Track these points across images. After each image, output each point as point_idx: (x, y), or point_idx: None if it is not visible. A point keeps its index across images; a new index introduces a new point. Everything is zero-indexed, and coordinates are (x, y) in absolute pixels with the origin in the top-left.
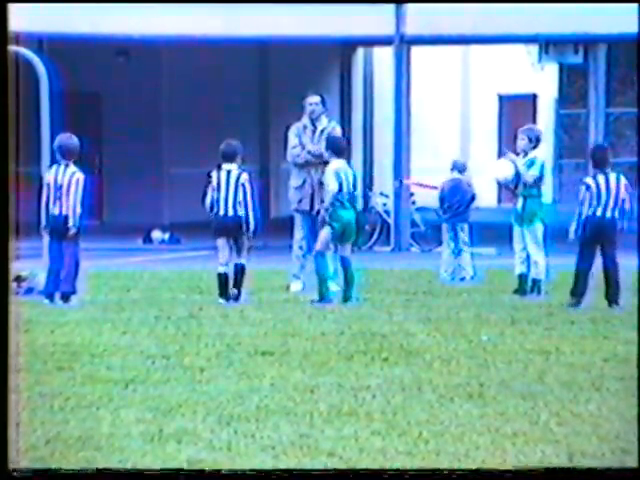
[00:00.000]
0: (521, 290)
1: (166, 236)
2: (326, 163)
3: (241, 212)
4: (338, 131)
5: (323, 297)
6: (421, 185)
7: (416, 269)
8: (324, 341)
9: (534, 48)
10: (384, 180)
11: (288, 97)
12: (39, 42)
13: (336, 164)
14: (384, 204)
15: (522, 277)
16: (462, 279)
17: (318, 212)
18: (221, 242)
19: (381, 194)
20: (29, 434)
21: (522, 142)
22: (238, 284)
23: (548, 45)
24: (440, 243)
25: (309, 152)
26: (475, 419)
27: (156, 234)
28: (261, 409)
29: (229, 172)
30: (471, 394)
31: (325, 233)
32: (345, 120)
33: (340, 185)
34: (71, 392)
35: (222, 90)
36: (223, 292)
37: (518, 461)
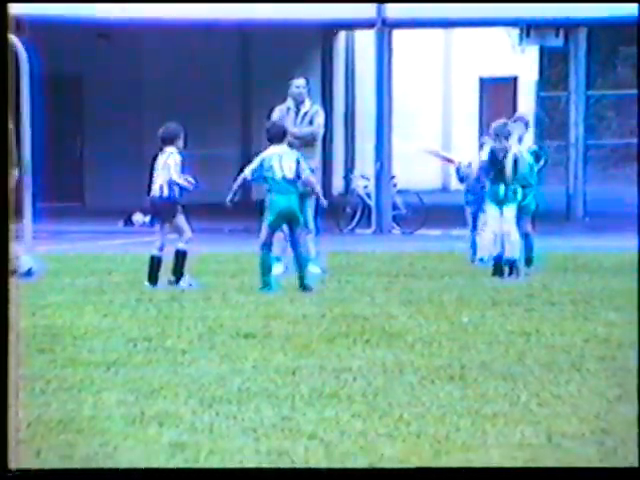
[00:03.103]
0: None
1: (147, 219)
2: (309, 145)
3: (167, 193)
4: (321, 114)
5: (264, 286)
6: (439, 156)
7: (397, 251)
8: (306, 323)
9: (515, 31)
10: (365, 163)
11: (270, 80)
12: (19, 24)
13: (268, 151)
14: (365, 187)
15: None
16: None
17: (300, 195)
18: (157, 225)
19: (362, 177)
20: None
21: (519, 130)
22: (175, 270)
23: (529, 28)
24: (421, 225)
25: (292, 134)
26: (456, 401)
27: (137, 217)
28: (243, 391)
29: (162, 155)
30: (452, 376)
31: (263, 224)
32: (327, 103)
33: (267, 171)
34: (52, 375)
35: (204, 73)
36: (151, 276)
37: (498, 442)
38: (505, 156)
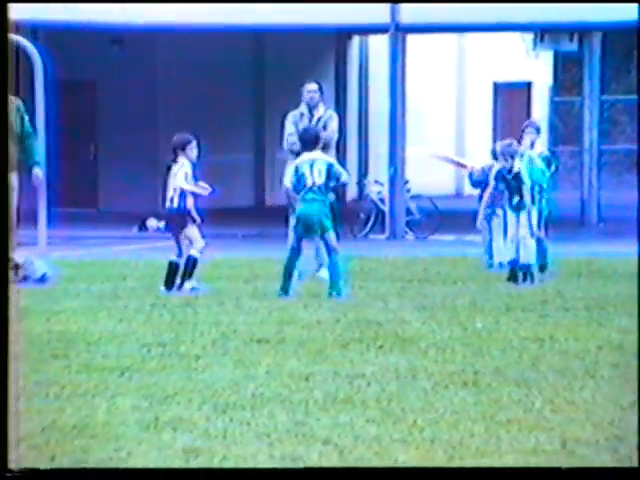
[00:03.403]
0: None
1: (161, 224)
2: (323, 151)
3: (177, 204)
4: (335, 119)
5: (283, 291)
6: (451, 161)
7: (411, 257)
8: (320, 329)
9: (529, 36)
10: (379, 168)
11: (284, 85)
12: (34, 30)
13: (301, 158)
14: (379, 192)
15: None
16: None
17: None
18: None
19: (376, 182)
20: (25, 422)
21: (531, 135)
22: (184, 275)
23: (543, 33)
24: (435, 231)
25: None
26: (470, 406)
27: (151, 222)
28: (256, 397)
29: (174, 165)
30: (466, 382)
31: (290, 228)
32: (340, 108)
33: (299, 180)
34: (67, 380)
35: (217, 78)
36: (167, 281)
37: (512, 448)
38: (512, 175)
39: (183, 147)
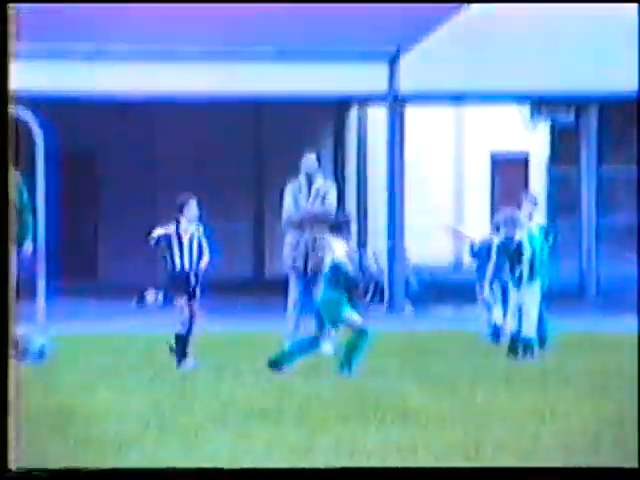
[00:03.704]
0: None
1: (160, 296)
2: (321, 222)
3: (179, 268)
4: (333, 190)
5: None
6: (460, 235)
7: (410, 330)
8: (320, 402)
9: (526, 107)
10: (378, 238)
11: (283, 156)
12: (35, 102)
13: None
14: (378, 263)
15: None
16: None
17: (312, 272)
18: (176, 300)
19: (375, 253)
20: None
21: (529, 207)
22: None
23: (540, 104)
24: (433, 302)
25: (304, 211)
26: None
27: (150, 296)
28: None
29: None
30: (467, 455)
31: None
32: (339, 179)
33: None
34: (64, 454)
35: (217, 148)
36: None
37: None
38: (515, 246)
39: (181, 208)
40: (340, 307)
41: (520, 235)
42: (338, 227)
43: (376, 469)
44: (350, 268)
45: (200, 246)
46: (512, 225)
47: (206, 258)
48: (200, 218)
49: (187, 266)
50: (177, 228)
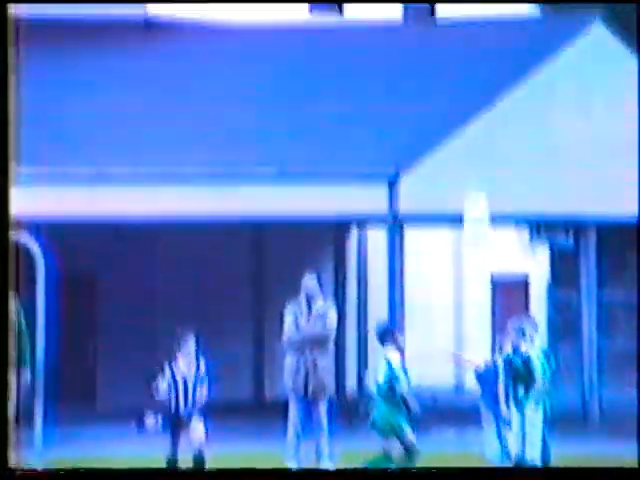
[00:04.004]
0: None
1: (159, 420)
2: (321, 344)
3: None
4: (333, 311)
5: None
6: (461, 358)
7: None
8: None
9: (525, 229)
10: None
11: (283, 277)
12: (35, 226)
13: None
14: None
15: (519, 461)
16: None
17: (312, 395)
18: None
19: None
20: None
21: (530, 331)
22: None
23: (539, 226)
24: (433, 425)
25: (304, 334)
26: None
27: (150, 420)
28: None
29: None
30: None
31: None
32: (340, 300)
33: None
34: None
35: (217, 271)
36: None
37: None
38: (522, 361)
39: (178, 343)
40: (398, 420)
41: (527, 348)
42: (392, 337)
43: (376, 469)
44: (404, 380)
45: (196, 384)
46: (521, 335)
47: (203, 395)
48: (198, 349)
49: (182, 407)
50: (172, 371)
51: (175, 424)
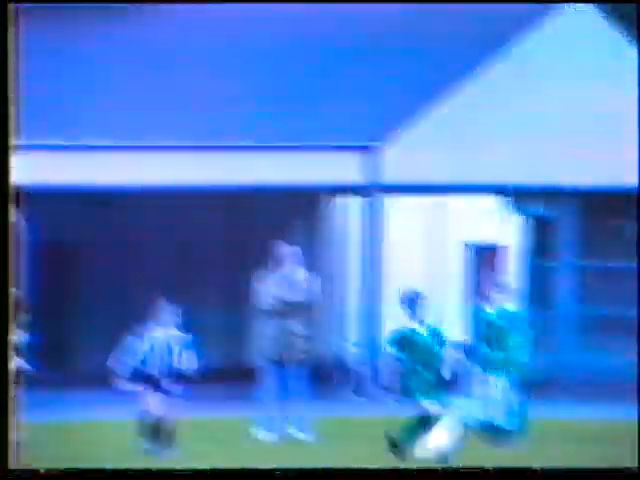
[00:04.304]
0: (490, 438)
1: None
2: (298, 311)
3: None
4: (309, 279)
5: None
6: None
7: (390, 418)
8: None
9: (503, 198)
10: (356, 329)
11: (260, 246)
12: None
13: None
14: (356, 353)
15: (487, 425)
16: None
17: (288, 361)
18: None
19: (353, 343)
20: None
21: (501, 294)
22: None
23: (517, 196)
24: None
25: (281, 301)
26: None
27: (128, 386)
28: None
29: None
30: None
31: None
32: (317, 269)
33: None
34: None
35: (193, 242)
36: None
37: None
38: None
39: (157, 314)
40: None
41: (507, 304)
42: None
43: (376, 470)
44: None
45: (172, 351)
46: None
47: (182, 362)
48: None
49: (158, 373)
50: (148, 338)
51: (151, 390)
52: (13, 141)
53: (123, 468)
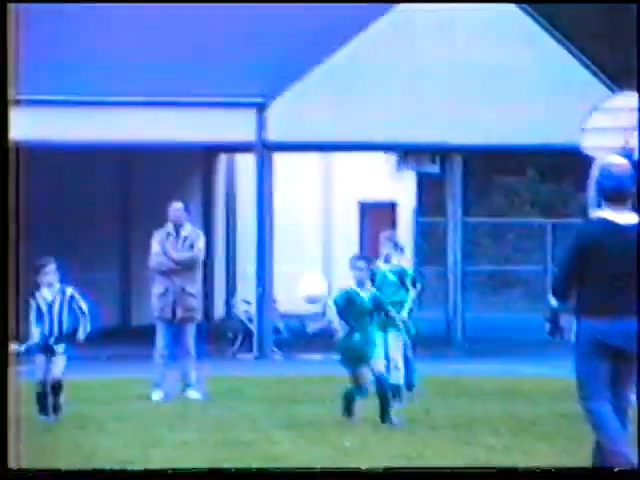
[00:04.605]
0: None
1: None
2: (189, 270)
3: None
4: (201, 238)
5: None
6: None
7: (279, 376)
8: (186, 450)
9: (392, 156)
10: (247, 287)
11: (150, 204)
12: None
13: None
14: (247, 311)
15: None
16: None
17: (180, 320)
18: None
19: (243, 301)
20: None
21: (387, 249)
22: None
23: (406, 154)
24: (302, 349)
25: (172, 259)
26: None
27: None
28: None
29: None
30: None
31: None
32: (208, 227)
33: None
34: None
35: (84, 197)
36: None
37: None
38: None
39: (38, 272)
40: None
41: (399, 260)
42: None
43: (375, 470)
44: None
45: (61, 313)
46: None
47: (82, 327)
48: (63, 276)
49: (48, 334)
50: (35, 298)
51: (43, 352)
52: None
53: (125, 469)
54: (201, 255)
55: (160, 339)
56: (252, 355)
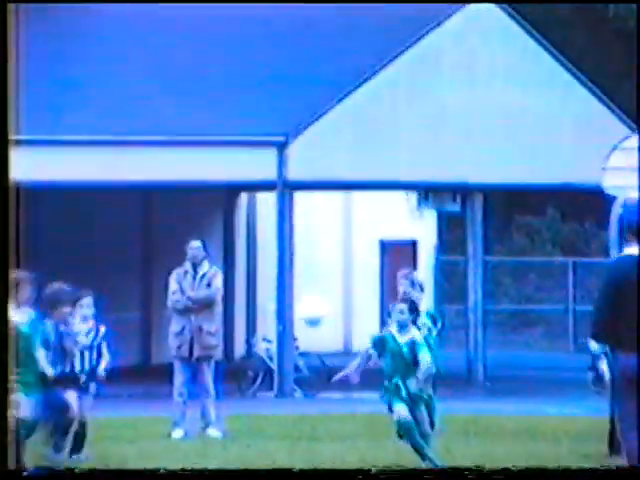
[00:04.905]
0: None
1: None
2: (207, 308)
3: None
4: (219, 276)
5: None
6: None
7: (300, 414)
8: None
9: (413, 195)
10: (267, 325)
11: (171, 243)
12: None
13: None
14: (267, 349)
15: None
16: None
17: (198, 358)
18: None
19: (264, 339)
20: None
21: (405, 287)
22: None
23: (427, 192)
24: (322, 387)
25: (189, 298)
26: None
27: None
28: None
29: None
30: None
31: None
32: (228, 265)
33: None
34: None
35: (105, 235)
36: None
37: None
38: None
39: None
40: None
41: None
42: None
43: (375, 470)
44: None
45: (96, 349)
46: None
47: (105, 362)
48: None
49: (78, 369)
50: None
51: (73, 387)
52: None
53: (124, 468)
54: (219, 293)
55: (178, 377)
56: (272, 393)
